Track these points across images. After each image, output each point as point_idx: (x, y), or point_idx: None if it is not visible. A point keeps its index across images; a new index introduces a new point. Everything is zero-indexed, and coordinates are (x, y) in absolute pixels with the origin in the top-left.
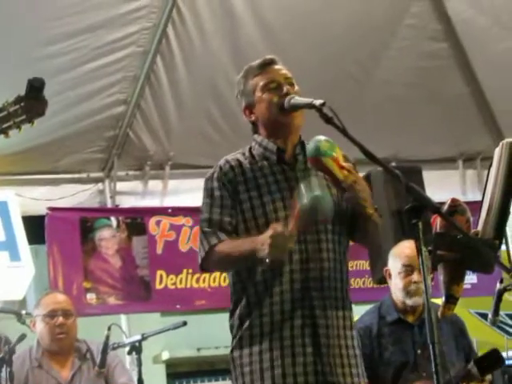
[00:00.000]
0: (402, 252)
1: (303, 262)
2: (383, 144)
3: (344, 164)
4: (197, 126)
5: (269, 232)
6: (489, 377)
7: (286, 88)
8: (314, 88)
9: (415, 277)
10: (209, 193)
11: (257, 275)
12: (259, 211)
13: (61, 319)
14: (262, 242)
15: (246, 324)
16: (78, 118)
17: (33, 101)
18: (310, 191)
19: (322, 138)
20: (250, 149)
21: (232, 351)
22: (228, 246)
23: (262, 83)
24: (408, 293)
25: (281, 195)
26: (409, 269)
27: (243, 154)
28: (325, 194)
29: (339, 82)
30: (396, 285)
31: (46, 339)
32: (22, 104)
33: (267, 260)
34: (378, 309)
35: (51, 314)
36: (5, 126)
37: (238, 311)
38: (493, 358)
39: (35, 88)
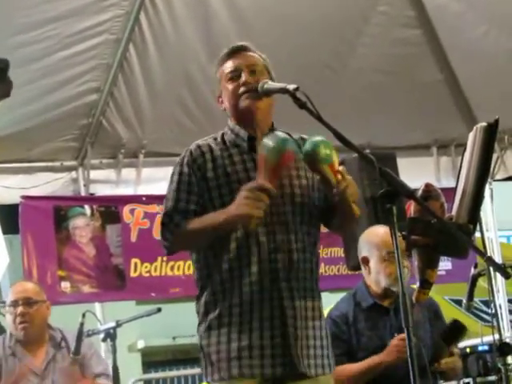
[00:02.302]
0: (384, 239)
1: (271, 252)
2: (357, 131)
3: (339, 168)
4: (170, 114)
5: (241, 192)
6: (457, 350)
7: (244, 77)
8: (288, 76)
9: (403, 262)
10: (177, 177)
11: (223, 263)
12: (228, 198)
13: (21, 308)
14: (235, 204)
15: (216, 312)
16: (51, 107)
17: None
18: (273, 137)
19: (319, 139)
20: (223, 134)
21: (200, 339)
22: (198, 221)
23: (226, 72)
24: (396, 279)
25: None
26: (392, 256)
27: (215, 140)
28: (286, 137)
29: (313, 69)
30: (379, 272)
31: (12, 329)
32: None
33: (243, 218)
34: (353, 296)
35: (13, 304)
36: None
37: (203, 298)
38: (455, 328)
39: None
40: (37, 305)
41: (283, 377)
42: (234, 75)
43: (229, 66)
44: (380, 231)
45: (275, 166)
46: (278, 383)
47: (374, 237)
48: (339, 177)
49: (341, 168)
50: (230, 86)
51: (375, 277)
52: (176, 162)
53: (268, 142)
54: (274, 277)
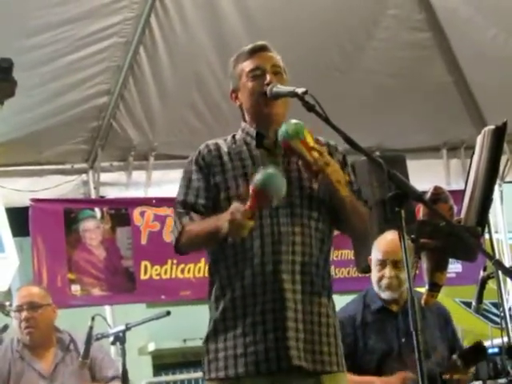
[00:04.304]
0: (380, 245)
1: (275, 244)
2: (367, 134)
3: (314, 146)
4: (180, 117)
5: (229, 209)
6: (472, 369)
7: (268, 77)
8: (298, 78)
9: (387, 272)
10: (187, 175)
11: (228, 258)
12: (233, 193)
13: (25, 313)
14: (223, 219)
15: (220, 307)
16: (61, 109)
17: (2, 82)
18: (264, 170)
19: (291, 121)
20: (234, 135)
21: (207, 335)
22: (197, 225)
23: (247, 69)
24: (380, 287)
25: None
26: (382, 263)
27: (225, 140)
28: (276, 172)
29: (322, 71)
30: (373, 276)
31: (19, 333)
32: None
33: (228, 236)
34: (363, 297)
35: (18, 309)
36: None
37: (213, 293)
38: (477, 351)
39: (4, 69)
40: (41, 309)
41: (289, 371)
42: (257, 74)
43: (251, 64)
44: (385, 237)
45: (262, 199)
46: (284, 378)
47: (378, 241)
48: (315, 154)
49: (318, 146)
50: (251, 84)
51: (373, 280)
52: (187, 161)
53: (257, 175)
54: (276, 269)
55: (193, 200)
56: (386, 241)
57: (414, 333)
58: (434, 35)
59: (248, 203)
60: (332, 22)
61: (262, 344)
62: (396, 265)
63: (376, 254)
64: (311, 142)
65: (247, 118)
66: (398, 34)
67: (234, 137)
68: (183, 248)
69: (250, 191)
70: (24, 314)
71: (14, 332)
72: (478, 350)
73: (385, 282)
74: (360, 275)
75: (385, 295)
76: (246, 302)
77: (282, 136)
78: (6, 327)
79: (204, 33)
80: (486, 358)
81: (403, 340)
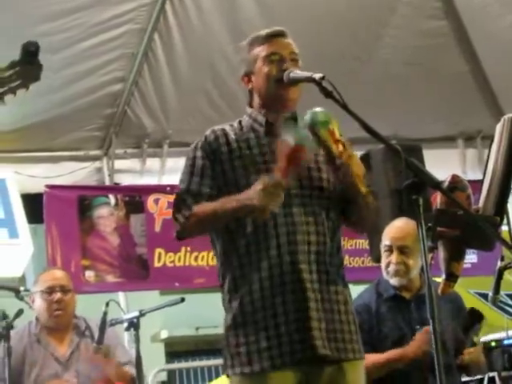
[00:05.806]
0: (387, 231)
1: (290, 234)
2: (383, 123)
3: (339, 138)
4: (194, 104)
5: (258, 183)
6: (479, 344)
7: (286, 64)
8: (313, 65)
9: (393, 258)
10: (191, 161)
11: (241, 248)
12: (243, 181)
13: (59, 295)
14: (251, 194)
15: (237, 301)
16: (76, 96)
17: (27, 65)
18: (297, 131)
19: (319, 109)
20: (240, 121)
21: (227, 329)
22: (210, 205)
23: (264, 54)
24: (388, 273)
25: (265, 166)
26: (389, 249)
27: (231, 126)
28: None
29: (338, 59)
30: (382, 263)
31: (44, 315)
32: (17, 69)
33: (257, 210)
34: (376, 286)
35: (49, 290)
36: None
37: (226, 286)
38: (473, 317)
39: (30, 52)
40: (70, 293)
41: (312, 361)
42: (274, 59)
43: (268, 48)
44: (394, 223)
45: (293, 155)
46: (308, 367)
47: (387, 228)
48: (340, 147)
49: (343, 139)
50: (268, 69)
51: (382, 267)
52: (191, 147)
53: (292, 136)
54: (293, 259)
55: (197, 188)
56: (394, 227)
57: (430, 320)
58: (451, 23)
59: (280, 169)
60: (348, 10)
61: (286, 336)
62: (403, 250)
63: (384, 241)
64: (337, 134)
65: (257, 102)
66: (414, 21)
67: (240, 123)
68: (191, 231)
69: (282, 153)
70: (58, 295)
71: (38, 314)
72: (473, 314)
73: (392, 268)
74: (374, 264)
75: (393, 281)
76: (264, 294)
77: (308, 123)
78: (20, 312)
79: (219, 20)
80: (482, 320)
81: (418, 327)
